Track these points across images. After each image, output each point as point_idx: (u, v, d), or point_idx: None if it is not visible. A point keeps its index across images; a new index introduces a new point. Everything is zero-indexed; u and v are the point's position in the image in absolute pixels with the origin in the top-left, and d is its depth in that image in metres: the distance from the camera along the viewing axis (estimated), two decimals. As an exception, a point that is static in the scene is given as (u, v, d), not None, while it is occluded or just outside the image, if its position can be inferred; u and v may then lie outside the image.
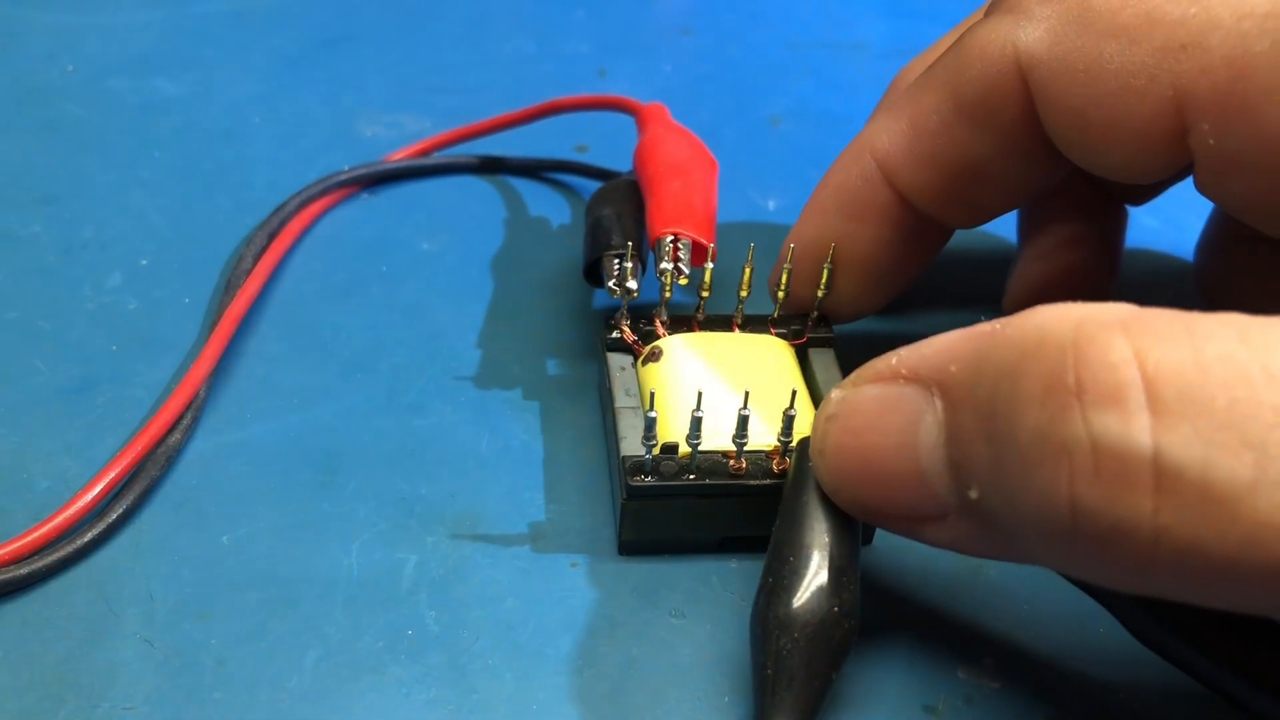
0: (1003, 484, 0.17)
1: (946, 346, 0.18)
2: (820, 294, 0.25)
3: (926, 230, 0.25)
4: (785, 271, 0.25)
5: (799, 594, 0.19)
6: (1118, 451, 0.15)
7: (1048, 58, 0.21)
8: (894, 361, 0.19)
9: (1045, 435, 0.15)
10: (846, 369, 0.25)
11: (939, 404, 0.18)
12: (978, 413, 0.17)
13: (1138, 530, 0.15)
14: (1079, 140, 0.22)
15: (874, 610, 0.22)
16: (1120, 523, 0.15)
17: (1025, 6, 0.22)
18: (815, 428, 0.20)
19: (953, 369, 0.18)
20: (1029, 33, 0.21)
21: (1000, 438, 0.16)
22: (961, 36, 0.23)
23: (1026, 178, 0.24)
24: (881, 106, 0.29)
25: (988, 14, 0.23)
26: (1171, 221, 0.34)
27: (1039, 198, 0.28)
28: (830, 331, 0.26)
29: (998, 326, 0.17)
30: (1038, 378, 0.16)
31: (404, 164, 0.34)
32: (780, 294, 0.26)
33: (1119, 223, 0.29)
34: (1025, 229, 0.30)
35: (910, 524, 0.19)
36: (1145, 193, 0.29)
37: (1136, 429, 0.15)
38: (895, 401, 0.18)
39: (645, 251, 0.27)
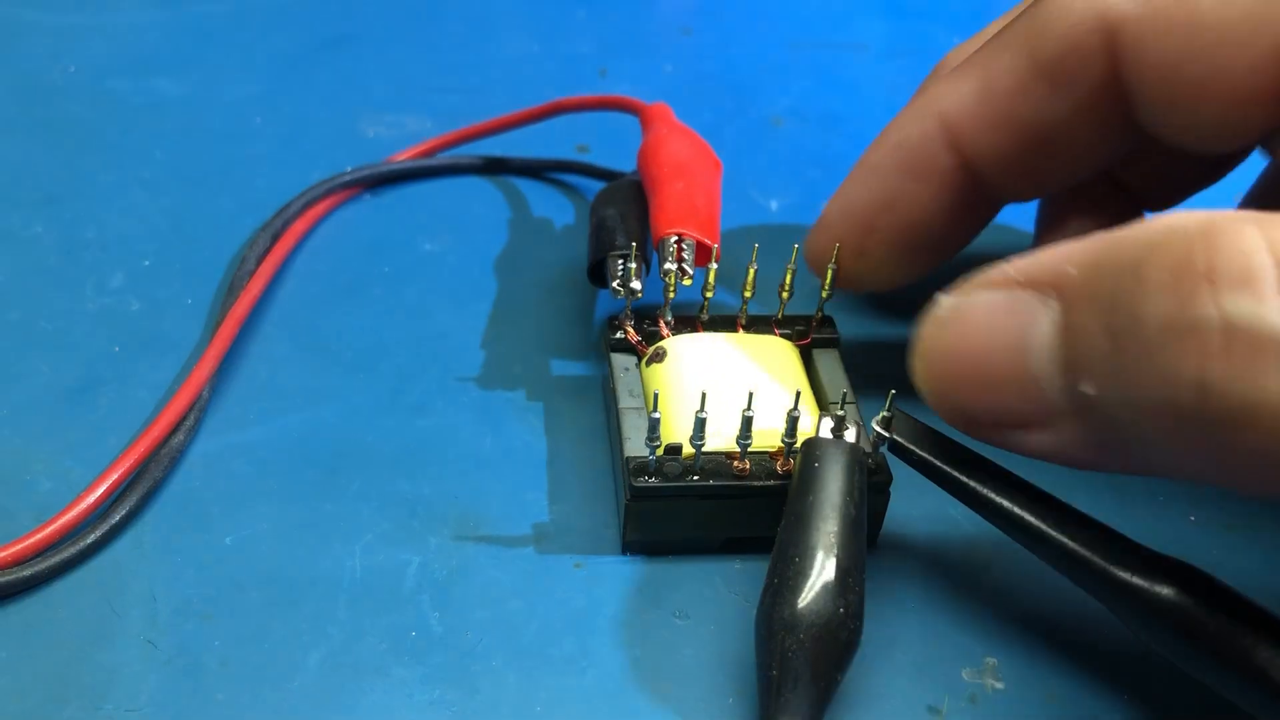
0: (1123, 374, 0.16)
1: (1064, 251, 0.18)
2: (824, 295, 0.25)
3: (980, 201, 0.24)
4: (789, 272, 0.25)
5: (804, 594, 0.19)
6: (1251, 330, 0.15)
7: (1139, 14, 0.21)
8: (1009, 269, 0.19)
9: (1174, 318, 0.16)
10: (851, 370, 0.25)
11: (1055, 304, 0.18)
12: (1098, 306, 0.17)
13: (1267, 407, 0.15)
14: (1169, 100, 0.21)
15: (879, 610, 0.22)
16: (1250, 401, 0.15)
17: None
18: (920, 333, 0.20)
19: (1070, 270, 0.17)
20: None
21: (1122, 328, 0.16)
22: None
23: (1097, 147, 0.23)
24: (936, 78, 0.28)
25: None
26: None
27: (1059, 196, 0.28)
28: (835, 332, 0.26)
29: (1120, 230, 0.17)
30: (1164, 266, 0.16)
31: (407, 165, 0.34)
32: (784, 294, 0.26)
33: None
34: (1043, 226, 0.29)
35: (1012, 430, 0.19)
36: (1169, 196, 0.28)
37: (1270, 309, 0.15)
38: (1008, 306, 0.18)
39: (649, 252, 0.27)
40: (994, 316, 0.19)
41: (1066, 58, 0.22)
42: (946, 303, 0.19)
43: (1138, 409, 0.16)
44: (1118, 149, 0.23)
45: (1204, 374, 0.15)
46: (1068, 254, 0.18)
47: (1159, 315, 0.16)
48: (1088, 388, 0.17)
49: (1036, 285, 0.18)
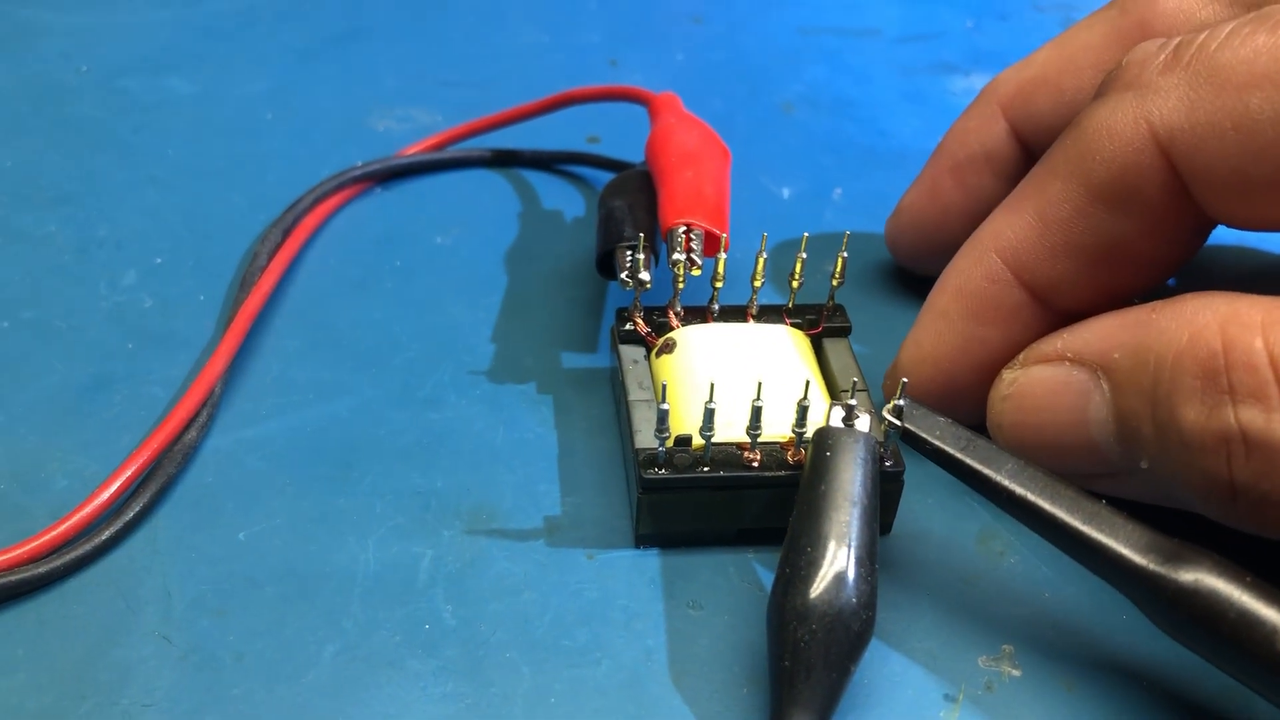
0: (1170, 462, 0.20)
1: (1108, 333, 0.21)
2: (835, 283, 0.25)
3: (1054, 326, 0.23)
4: (800, 261, 0.25)
5: (816, 584, 0.19)
6: (1263, 441, 0.18)
7: (1188, 125, 0.20)
8: (1059, 345, 0.22)
9: (1205, 428, 0.19)
10: (862, 359, 0.25)
11: (1105, 386, 0.21)
12: (1143, 399, 0.20)
13: None
14: (1241, 199, 0.21)
15: (894, 599, 0.22)
16: (1270, 495, 0.19)
17: (1146, 80, 0.21)
18: (991, 405, 0.23)
19: (1116, 356, 0.20)
20: (1161, 105, 0.21)
21: (1165, 423, 0.20)
22: (1078, 121, 0.22)
23: (1170, 253, 0.23)
24: (978, 115, 0.28)
25: (1102, 94, 0.22)
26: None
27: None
28: (846, 321, 0.26)
29: (1152, 314, 0.20)
30: (1195, 375, 0.19)
31: (417, 158, 0.34)
32: (795, 283, 0.25)
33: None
34: None
35: (1087, 480, 0.22)
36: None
37: (1277, 421, 0.18)
38: (1065, 383, 0.21)
39: (658, 243, 0.27)
40: (1053, 392, 0.22)
41: (1122, 179, 0.21)
42: (1007, 377, 0.23)
43: (1185, 488, 0.20)
44: (1193, 251, 0.23)
45: (1234, 476, 0.19)
46: (1111, 336, 0.21)
47: (1194, 422, 0.19)
48: (1143, 464, 0.20)
49: (1086, 364, 0.21)
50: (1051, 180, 0.22)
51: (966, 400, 0.24)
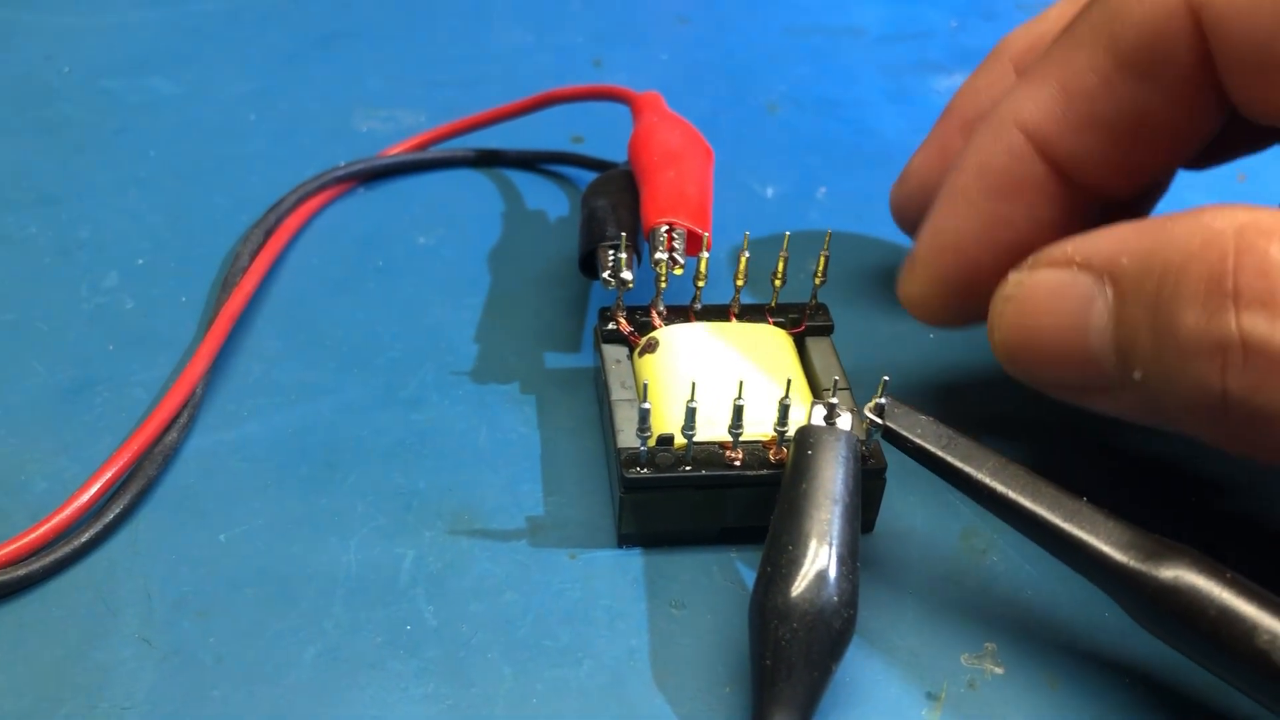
0: (1163, 370, 0.19)
1: (1119, 238, 0.20)
2: (818, 282, 0.25)
3: (1081, 208, 0.23)
4: (782, 260, 0.25)
5: (797, 583, 0.19)
6: (1264, 349, 0.17)
7: None
8: (1069, 249, 0.20)
9: (1203, 331, 0.18)
10: (844, 358, 0.25)
11: (1109, 291, 0.19)
12: (1144, 305, 0.19)
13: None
14: (1261, 77, 0.20)
15: (876, 597, 0.22)
16: (1265, 409, 0.17)
17: None
18: (992, 307, 0.21)
19: (1124, 261, 0.19)
20: None
21: (1163, 329, 0.18)
22: None
23: (1196, 130, 0.22)
24: (989, 72, 0.27)
25: None
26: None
27: None
28: (828, 320, 0.26)
29: (1168, 223, 0.19)
30: (1200, 278, 0.18)
31: (400, 158, 0.34)
32: (777, 282, 0.25)
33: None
34: None
35: (1077, 394, 0.21)
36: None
37: None
38: (1069, 286, 0.20)
39: (640, 242, 0.27)
40: (1056, 296, 0.20)
41: (1151, 45, 0.21)
42: (1013, 279, 0.21)
43: (1176, 401, 0.19)
44: (1214, 128, 0.22)
45: (1226, 385, 0.18)
46: (1123, 241, 0.19)
47: (1191, 326, 0.18)
48: (1136, 373, 0.19)
49: (1093, 269, 0.20)
50: (1076, 50, 0.22)
51: (990, 294, 0.22)
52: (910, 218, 0.28)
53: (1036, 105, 0.22)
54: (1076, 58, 0.22)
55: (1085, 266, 0.20)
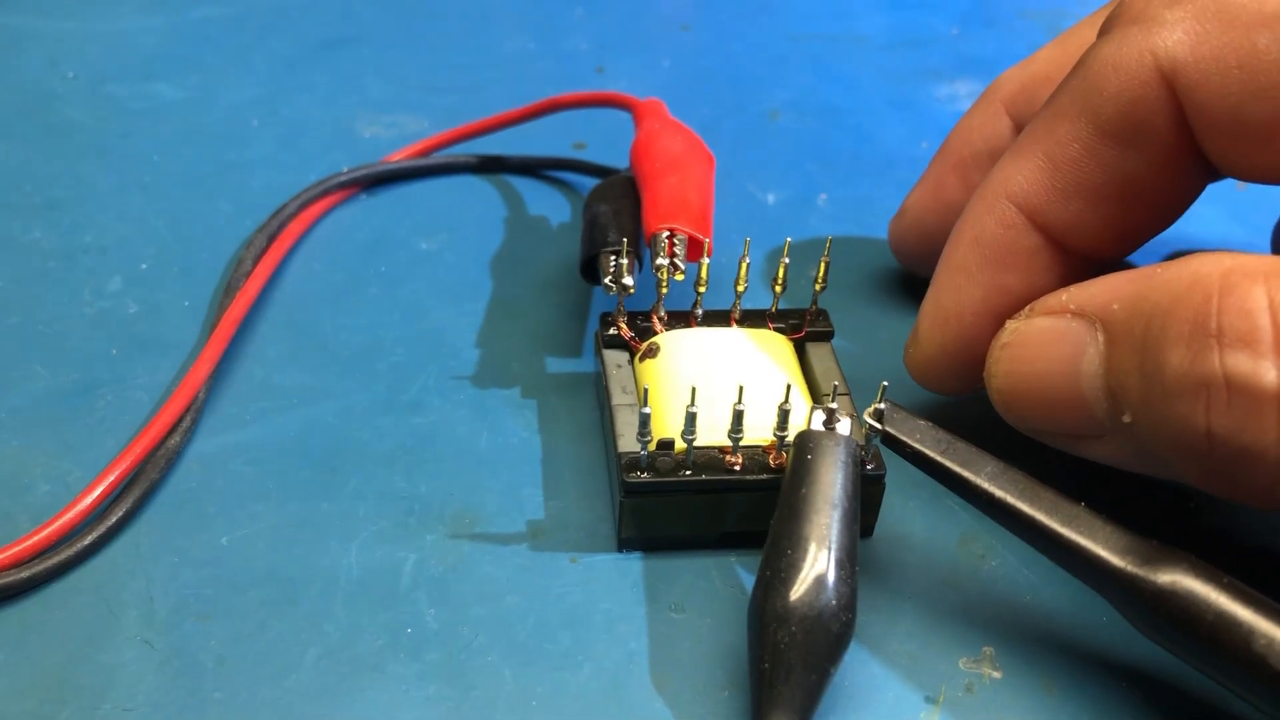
0: (1151, 412, 0.19)
1: (1112, 286, 0.20)
2: (818, 287, 0.25)
3: (1073, 270, 0.23)
4: (783, 265, 0.25)
5: (796, 587, 0.19)
6: (1247, 388, 0.18)
7: (1193, 59, 0.20)
8: (1064, 298, 0.21)
9: (1188, 372, 0.18)
10: (845, 364, 0.25)
11: (1101, 337, 0.20)
12: (1133, 347, 0.19)
13: (1265, 456, 0.18)
14: (1236, 141, 0.21)
15: (875, 601, 0.22)
16: (1249, 449, 0.18)
17: (1153, 14, 0.21)
18: (990, 353, 0.22)
19: (1115, 306, 0.20)
20: (1166, 38, 0.21)
21: (1150, 371, 0.19)
22: (1083, 60, 0.22)
23: (1182, 192, 0.23)
24: (981, 113, 0.28)
25: (1106, 31, 0.22)
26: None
27: None
28: (829, 325, 0.26)
29: (1158, 270, 0.19)
30: (1185, 319, 0.18)
31: (403, 164, 0.34)
32: (778, 288, 0.26)
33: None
34: None
35: (1070, 441, 0.21)
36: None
37: (1264, 368, 0.17)
38: (1063, 333, 0.21)
39: (642, 248, 0.27)
40: (1050, 342, 0.21)
41: (1129, 115, 0.21)
42: (1010, 326, 0.22)
43: (1163, 443, 0.19)
44: (1201, 187, 0.23)
45: (1211, 425, 0.18)
46: (1115, 289, 0.20)
47: (1177, 367, 0.18)
48: (1126, 417, 0.20)
49: (1086, 316, 0.20)
50: (1059, 121, 0.22)
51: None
52: (907, 251, 0.30)
53: (1025, 177, 0.23)
54: (1059, 128, 0.22)
55: (1079, 313, 0.21)
